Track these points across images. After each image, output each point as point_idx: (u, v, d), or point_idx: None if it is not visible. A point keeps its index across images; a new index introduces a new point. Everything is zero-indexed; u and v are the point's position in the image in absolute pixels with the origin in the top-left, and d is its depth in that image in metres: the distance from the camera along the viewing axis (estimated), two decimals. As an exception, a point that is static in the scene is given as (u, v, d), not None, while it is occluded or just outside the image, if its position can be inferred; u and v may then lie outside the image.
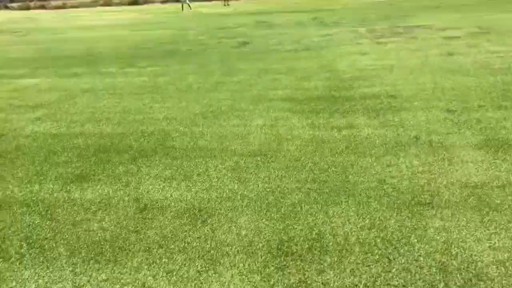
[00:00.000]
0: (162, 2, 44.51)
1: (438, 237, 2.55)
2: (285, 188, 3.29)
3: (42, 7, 47.16)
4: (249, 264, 2.44)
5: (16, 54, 11.98)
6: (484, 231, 2.59)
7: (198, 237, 2.73)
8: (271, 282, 2.28)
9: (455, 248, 2.44)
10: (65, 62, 10.01)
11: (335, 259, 2.42)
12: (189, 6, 32.09)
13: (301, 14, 20.77)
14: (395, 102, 5.30)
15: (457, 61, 7.27)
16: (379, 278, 2.25)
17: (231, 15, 23.70)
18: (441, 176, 3.31)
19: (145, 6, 40.77)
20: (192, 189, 3.38)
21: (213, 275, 2.37)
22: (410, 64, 7.37)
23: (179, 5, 37.55)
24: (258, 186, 3.35)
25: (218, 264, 2.46)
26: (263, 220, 2.87)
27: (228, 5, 33.61)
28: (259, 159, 3.86)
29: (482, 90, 5.49)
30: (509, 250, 2.41)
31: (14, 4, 48.26)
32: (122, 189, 3.45)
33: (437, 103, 5.12)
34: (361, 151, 3.90)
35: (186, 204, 3.15)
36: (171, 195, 3.30)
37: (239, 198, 3.19)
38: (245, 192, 3.27)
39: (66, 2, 52.07)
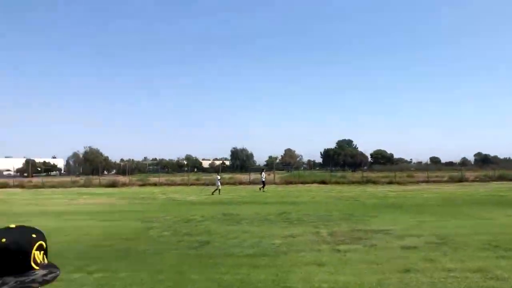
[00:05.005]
0: (141, 186, 45.99)
1: None
2: None
3: (21, 185, 48.04)
4: None
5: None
6: None
7: None
8: None
9: None
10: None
11: None
12: (219, 190, 32.22)
13: (270, 206, 21.40)
14: None
15: (412, 282, 7.07)
16: None
17: (202, 204, 24.26)
18: None
19: (123, 189, 41.89)
20: None
21: None
22: (365, 280, 7.15)
23: (155, 189, 38.74)
24: None
25: None
26: None
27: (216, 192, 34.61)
28: None
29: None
30: None
31: (-7, 181, 49.02)
32: None
33: None
34: None
35: None
36: None
37: None
38: None
39: (46, 180, 53.32)
